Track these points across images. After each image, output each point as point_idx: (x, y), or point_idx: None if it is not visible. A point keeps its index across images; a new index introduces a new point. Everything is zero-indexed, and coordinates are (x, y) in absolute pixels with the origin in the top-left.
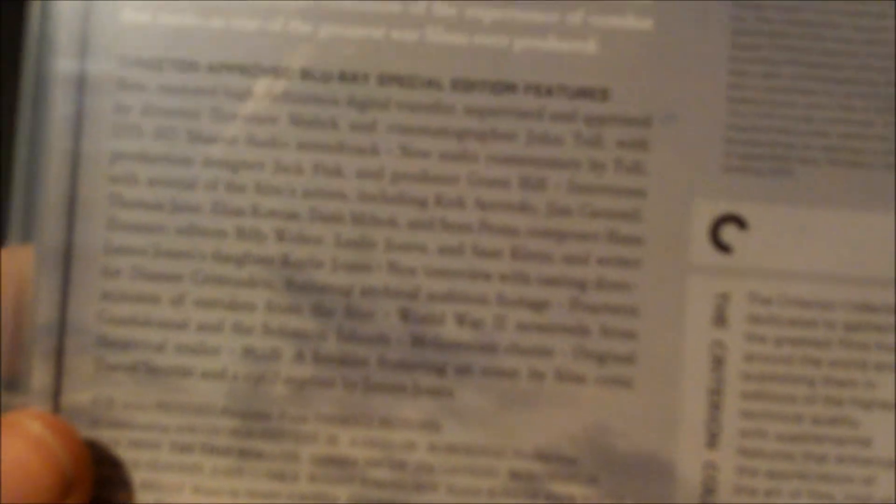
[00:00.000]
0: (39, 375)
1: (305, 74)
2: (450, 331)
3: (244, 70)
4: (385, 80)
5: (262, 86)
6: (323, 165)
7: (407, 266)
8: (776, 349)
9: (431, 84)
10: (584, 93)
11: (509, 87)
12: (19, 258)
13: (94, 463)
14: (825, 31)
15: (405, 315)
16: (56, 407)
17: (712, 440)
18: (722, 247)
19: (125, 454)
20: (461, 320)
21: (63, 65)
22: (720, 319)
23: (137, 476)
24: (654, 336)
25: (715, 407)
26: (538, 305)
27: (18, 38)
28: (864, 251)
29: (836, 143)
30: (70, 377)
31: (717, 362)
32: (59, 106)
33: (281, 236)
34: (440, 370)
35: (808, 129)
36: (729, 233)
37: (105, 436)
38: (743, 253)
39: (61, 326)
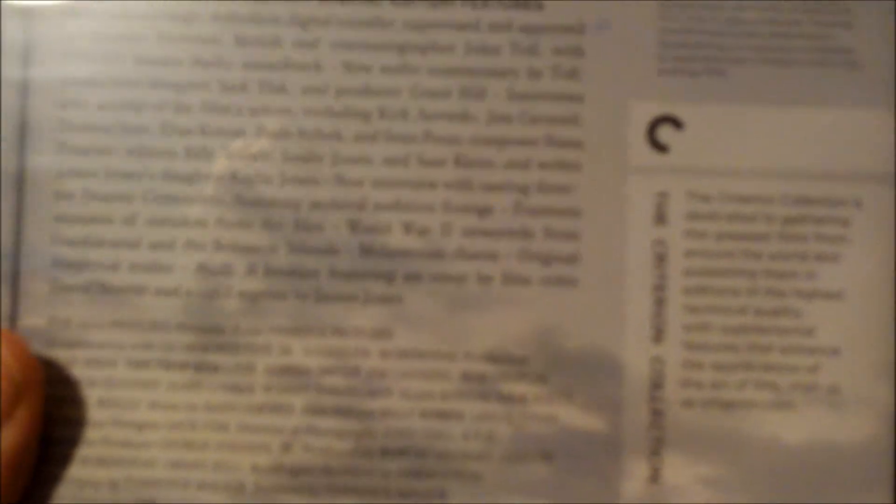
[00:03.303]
0: None
1: None
2: (397, 239)
3: None
4: None
5: (205, 8)
6: (268, 83)
7: (354, 178)
8: (717, 244)
9: (371, 0)
10: (518, 3)
11: (447, 0)
12: None
13: (51, 383)
14: None
15: (353, 226)
16: (13, 328)
17: (658, 335)
18: (659, 147)
19: (82, 373)
20: (408, 228)
21: None
22: (660, 217)
23: (94, 394)
24: (597, 236)
25: (659, 303)
26: (483, 211)
27: None
28: (798, 146)
29: (766, 42)
30: (26, 299)
31: (660, 259)
32: (8, 35)
33: (229, 154)
34: (389, 278)
35: (739, 31)
36: (665, 133)
37: (61, 355)
38: (680, 152)
39: (17, 250)
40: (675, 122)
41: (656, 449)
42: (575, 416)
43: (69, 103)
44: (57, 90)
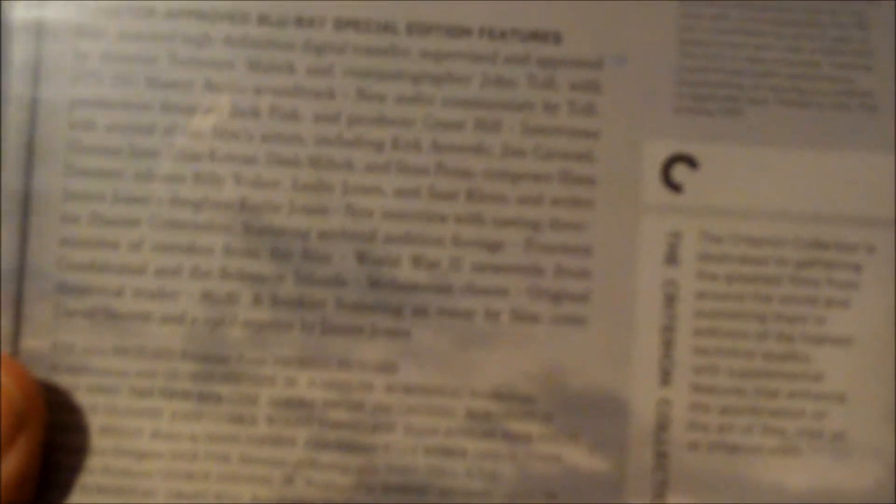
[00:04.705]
0: None
1: (262, 19)
2: (406, 272)
3: (201, 16)
4: (341, 24)
5: (219, 31)
6: (280, 109)
7: (364, 209)
8: (727, 286)
9: (387, 28)
10: (536, 35)
11: (464, 31)
12: None
13: (53, 408)
14: None
15: (362, 257)
16: (15, 352)
17: (665, 377)
18: (673, 186)
19: (84, 399)
20: (417, 262)
21: (21, 11)
22: (672, 258)
23: (96, 421)
24: (608, 275)
25: (668, 344)
26: (493, 246)
27: None
28: (813, 189)
29: (785, 83)
30: (29, 323)
31: (670, 300)
32: (18, 52)
33: (238, 180)
34: (397, 311)
35: (758, 70)
36: (680, 172)
37: (64, 381)
38: (694, 192)
39: (20, 272)
40: (691, 162)
41: (660, 492)
42: (579, 457)
43: (78, 124)
44: (66, 111)
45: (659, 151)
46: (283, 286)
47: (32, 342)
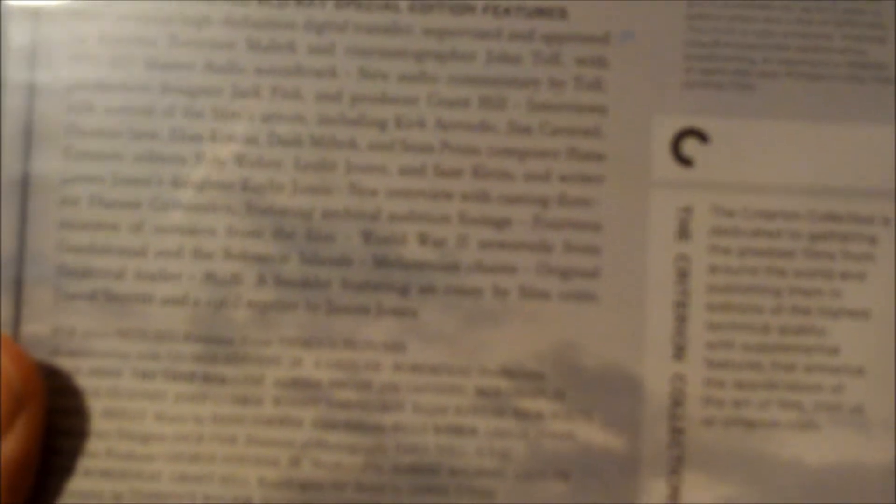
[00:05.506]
0: None
1: None
2: (412, 251)
3: None
4: (342, 2)
5: (218, 12)
6: (281, 89)
7: (368, 187)
8: (741, 260)
9: (389, 6)
10: (541, 11)
11: (467, 8)
12: None
13: (54, 392)
14: None
15: (367, 236)
16: (16, 337)
17: (679, 353)
18: (684, 161)
19: (86, 383)
20: (423, 240)
21: None
22: (684, 232)
23: (99, 404)
24: (618, 251)
25: (681, 319)
26: (500, 223)
27: None
28: (826, 162)
29: (795, 56)
30: (30, 307)
31: (682, 275)
32: (15, 36)
33: (240, 161)
34: (403, 290)
35: (768, 43)
36: (690, 147)
37: (66, 365)
38: (705, 166)
39: (20, 256)
40: (701, 136)
41: (676, 468)
42: (593, 434)
43: (77, 107)
44: (64, 94)
45: (668, 126)
46: (288, 266)
47: (33, 326)
